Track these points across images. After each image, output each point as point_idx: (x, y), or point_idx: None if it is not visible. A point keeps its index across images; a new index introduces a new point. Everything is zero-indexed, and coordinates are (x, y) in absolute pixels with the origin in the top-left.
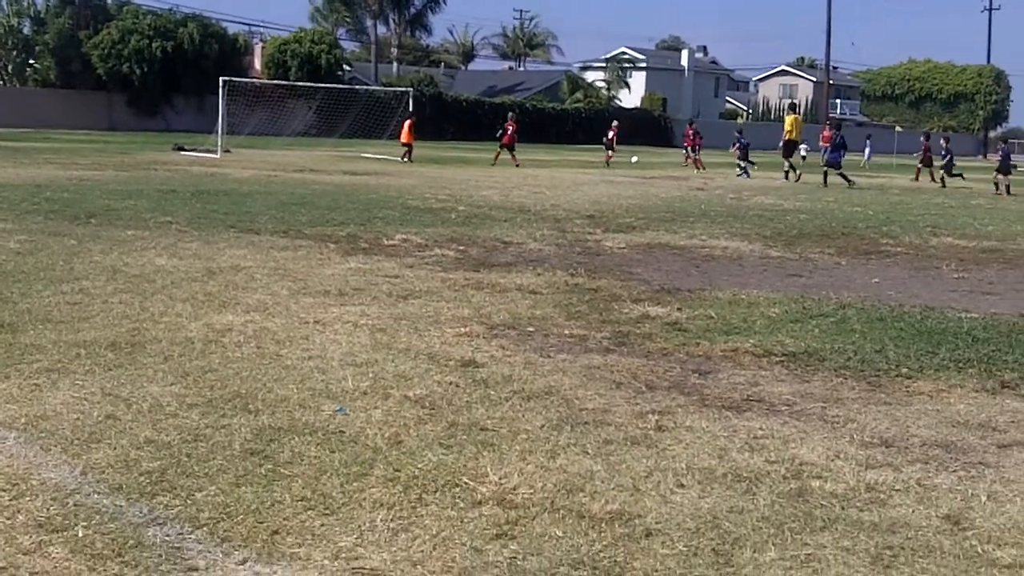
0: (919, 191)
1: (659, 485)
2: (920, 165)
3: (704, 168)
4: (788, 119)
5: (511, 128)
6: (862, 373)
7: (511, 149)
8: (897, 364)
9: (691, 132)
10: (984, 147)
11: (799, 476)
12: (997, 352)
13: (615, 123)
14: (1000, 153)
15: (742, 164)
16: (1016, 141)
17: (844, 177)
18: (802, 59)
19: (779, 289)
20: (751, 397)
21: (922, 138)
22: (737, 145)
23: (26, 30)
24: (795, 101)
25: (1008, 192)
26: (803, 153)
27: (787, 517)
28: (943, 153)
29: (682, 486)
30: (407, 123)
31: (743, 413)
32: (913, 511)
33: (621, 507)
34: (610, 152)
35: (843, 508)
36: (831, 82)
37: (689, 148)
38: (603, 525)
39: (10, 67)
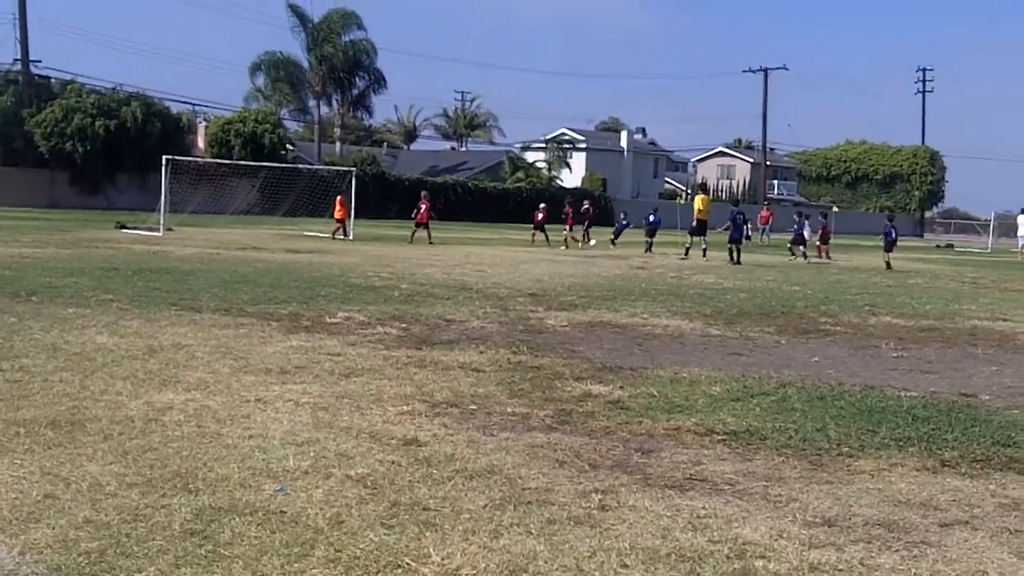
0: (857, 270)
1: (603, 565)
2: (819, 243)
3: (583, 242)
4: (698, 199)
5: (424, 207)
6: (803, 452)
7: (426, 227)
8: (838, 443)
9: (569, 211)
10: (921, 227)
11: (742, 556)
12: (937, 431)
13: (542, 205)
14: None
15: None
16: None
17: (733, 254)
18: (739, 140)
19: (720, 367)
20: (694, 476)
21: (819, 216)
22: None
23: None
24: (705, 182)
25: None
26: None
27: None
28: (886, 232)
29: (625, 566)
30: (338, 199)
31: (686, 492)
32: None
33: None
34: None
35: None
36: (768, 163)
37: (568, 227)
38: None
39: None
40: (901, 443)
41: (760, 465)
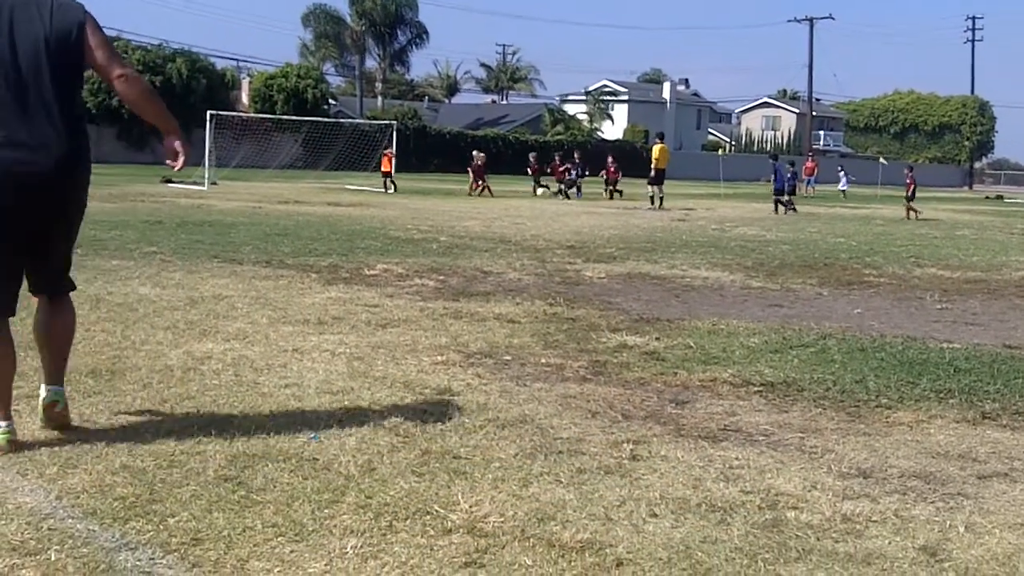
0: (903, 222)
1: (631, 515)
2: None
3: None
4: (656, 148)
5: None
6: (841, 403)
7: (482, 179)
8: (877, 394)
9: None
10: (970, 178)
11: (774, 506)
12: (979, 383)
13: (532, 155)
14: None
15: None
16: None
17: (785, 204)
18: (784, 91)
19: (759, 319)
20: (728, 427)
21: (906, 170)
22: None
23: None
24: (662, 132)
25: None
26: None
27: (761, 548)
28: (788, 177)
29: (655, 516)
30: (387, 154)
31: (719, 443)
32: (889, 542)
33: (592, 536)
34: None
35: (818, 539)
36: (814, 114)
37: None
38: (573, 554)
39: None
40: (941, 395)
41: (796, 416)
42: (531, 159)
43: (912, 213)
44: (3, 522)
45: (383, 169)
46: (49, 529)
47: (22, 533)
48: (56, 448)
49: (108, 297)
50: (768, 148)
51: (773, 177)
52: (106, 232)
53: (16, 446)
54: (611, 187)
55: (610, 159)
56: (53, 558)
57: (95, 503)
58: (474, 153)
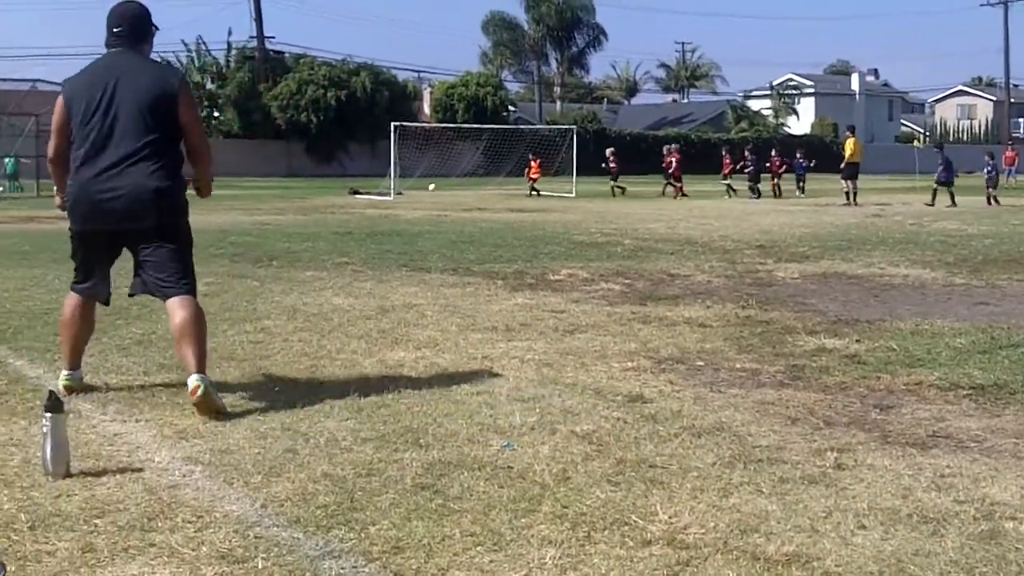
0: None
1: (839, 526)
2: None
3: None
4: (848, 142)
5: (674, 160)
6: None
7: (677, 180)
8: None
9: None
10: None
11: (990, 517)
12: None
13: (669, 147)
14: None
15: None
16: None
17: (948, 197)
18: (979, 78)
19: (965, 318)
20: (937, 433)
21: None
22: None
23: (209, 85)
24: (853, 125)
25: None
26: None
27: (978, 561)
28: (988, 169)
29: (863, 527)
30: (535, 161)
31: (928, 450)
32: None
33: (798, 549)
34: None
35: None
36: (1012, 100)
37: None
38: (779, 567)
39: None
40: None
41: (1010, 421)
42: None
43: None
44: (211, 530)
45: (532, 175)
46: (255, 537)
47: (229, 541)
48: (260, 457)
49: (303, 308)
50: (964, 138)
51: (941, 167)
52: (299, 244)
53: (71, 391)
54: (776, 180)
55: (773, 152)
56: (260, 566)
57: (298, 511)
58: (668, 148)
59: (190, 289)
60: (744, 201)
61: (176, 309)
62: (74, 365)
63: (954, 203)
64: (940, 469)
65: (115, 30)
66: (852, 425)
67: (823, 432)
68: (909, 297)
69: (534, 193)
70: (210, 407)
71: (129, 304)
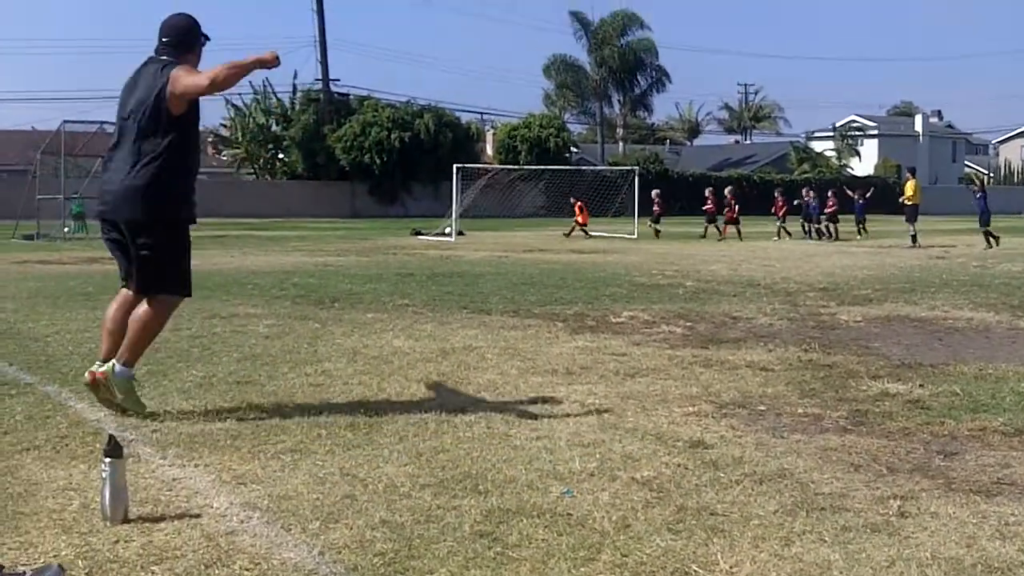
0: None
1: (902, 575)
2: None
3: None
4: (908, 184)
5: (732, 201)
6: None
7: (736, 223)
8: None
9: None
10: None
11: None
12: None
13: (710, 189)
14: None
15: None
16: None
17: (990, 236)
18: None
19: None
20: (1002, 480)
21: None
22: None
23: (274, 127)
24: (913, 166)
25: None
26: None
27: None
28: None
29: None
30: (578, 204)
31: (993, 497)
32: None
33: None
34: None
35: None
36: None
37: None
38: None
39: (261, 161)
40: None
41: None
42: (778, 196)
43: None
44: None
45: (579, 220)
46: None
47: None
48: (318, 502)
49: (364, 350)
50: None
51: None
52: (361, 286)
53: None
54: (828, 223)
55: (830, 193)
56: None
57: (356, 559)
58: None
59: (160, 289)
60: (801, 242)
61: (139, 304)
62: (106, 356)
63: (989, 245)
64: (1005, 517)
65: (163, 40)
66: (915, 472)
67: (886, 479)
68: (973, 340)
69: (584, 234)
70: (102, 397)
71: (190, 347)
